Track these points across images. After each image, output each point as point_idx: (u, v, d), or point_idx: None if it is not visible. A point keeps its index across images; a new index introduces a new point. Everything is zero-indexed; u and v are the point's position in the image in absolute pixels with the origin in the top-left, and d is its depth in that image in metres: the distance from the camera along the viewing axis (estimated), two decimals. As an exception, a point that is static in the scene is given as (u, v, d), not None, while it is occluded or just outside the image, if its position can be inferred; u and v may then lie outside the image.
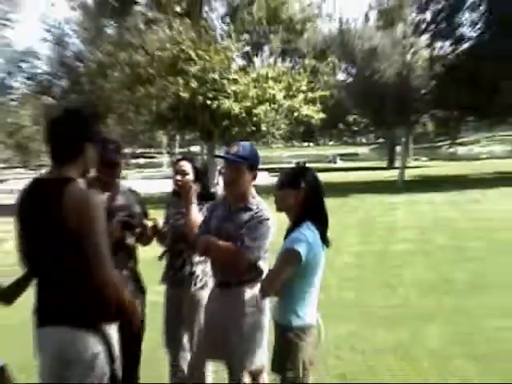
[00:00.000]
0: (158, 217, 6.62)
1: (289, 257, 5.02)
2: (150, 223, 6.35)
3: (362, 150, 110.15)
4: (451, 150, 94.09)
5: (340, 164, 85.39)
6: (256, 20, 41.49)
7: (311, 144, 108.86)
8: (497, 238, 18.16)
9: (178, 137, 71.77)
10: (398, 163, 53.98)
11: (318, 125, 52.40)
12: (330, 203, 19.46)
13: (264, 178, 29.22)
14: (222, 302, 5.93)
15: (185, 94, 36.88)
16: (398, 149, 65.85)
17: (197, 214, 6.22)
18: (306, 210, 5.17)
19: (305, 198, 5.17)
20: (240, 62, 42.40)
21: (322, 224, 5.21)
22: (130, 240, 6.30)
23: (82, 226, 4.15)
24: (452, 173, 51.28)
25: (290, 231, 5.18)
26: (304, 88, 40.28)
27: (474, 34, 50.39)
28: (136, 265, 6.57)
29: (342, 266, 15.03)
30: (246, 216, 5.77)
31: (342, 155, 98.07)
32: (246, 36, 41.73)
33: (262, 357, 5.85)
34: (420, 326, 9.78)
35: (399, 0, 70.67)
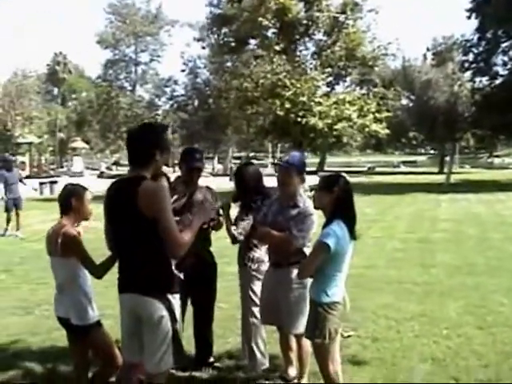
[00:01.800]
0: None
1: (320, 247, 4.83)
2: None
3: (420, 159, 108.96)
4: (489, 160, 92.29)
5: (403, 169, 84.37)
6: (337, 57, 41.39)
7: (381, 152, 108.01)
8: (514, 231, 17.54)
9: (279, 145, 71.79)
10: (446, 169, 52.92)
11: (385, 138, 52.09)
12: (391, 199, 19.74)
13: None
14: (274, 279, 5.84)
15: (281, 113, 37.09)
16: (448, 158, 64.66)
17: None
18: (337, 209, 4.93)
19: (337, 200, 4.93)
20: (324, 88, 42.23)
21: (350, 221, 4.96)
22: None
23: (154, 211, 4.20)
24: (487, 178, 50.07)
25: (324, 226, 4.96)
26: (373, 110, 40.05)
27: (506, 72, 50.80)
28: (209, 245, 6.50)
29: (391, 249, 14.74)
30: (294, 211, 5.68)
31: (404, 162, 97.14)
32: (329, 69, 41.66)
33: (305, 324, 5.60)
34: (443, 300, 9.37)
35: (449, 45, 70.77)
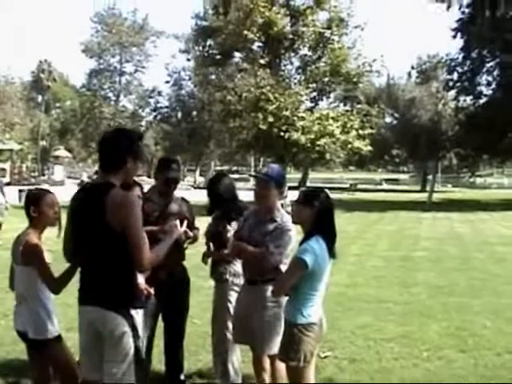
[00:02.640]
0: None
1: (296, 264, 4.59)
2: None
3: (402, 177, 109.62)
4: (471, 179, 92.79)
5: (385, 186, 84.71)
6: (322, 73, 41.46)
7: (364, 169, 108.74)
8: (496, 251, 17.44)
9: (261, 159, 71.82)
10: (428, 188, 53.20)
11: (368, 155, 52.25)
12: (372, 217, 19.65)
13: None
14: (248, 296, 5.56)
15: (264, 127, 37.10)
16: (430, 177, 64.93)
17: None
18: (316, 225, 4.68)
19: (317, 215, 4.69)
20: (308, 103, 42.34)
21: (329, 238, 4.71)
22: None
23: (121, 221, 4.00)
24: (469, 198, 50.37)
25: (302, 242, 4.70)
26: (356, 126, 40.23)
27: (490, 92, 51.09)
28: (182, 259, 6.30)
29: (371, 267, 14.53)
30: (271, 226, 5.41)
31: (386, 180, 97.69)
32: (313, 84, 41.71)
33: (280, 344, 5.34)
34: (424, 320, 9.14)
35: (434, 63, 71.43)
